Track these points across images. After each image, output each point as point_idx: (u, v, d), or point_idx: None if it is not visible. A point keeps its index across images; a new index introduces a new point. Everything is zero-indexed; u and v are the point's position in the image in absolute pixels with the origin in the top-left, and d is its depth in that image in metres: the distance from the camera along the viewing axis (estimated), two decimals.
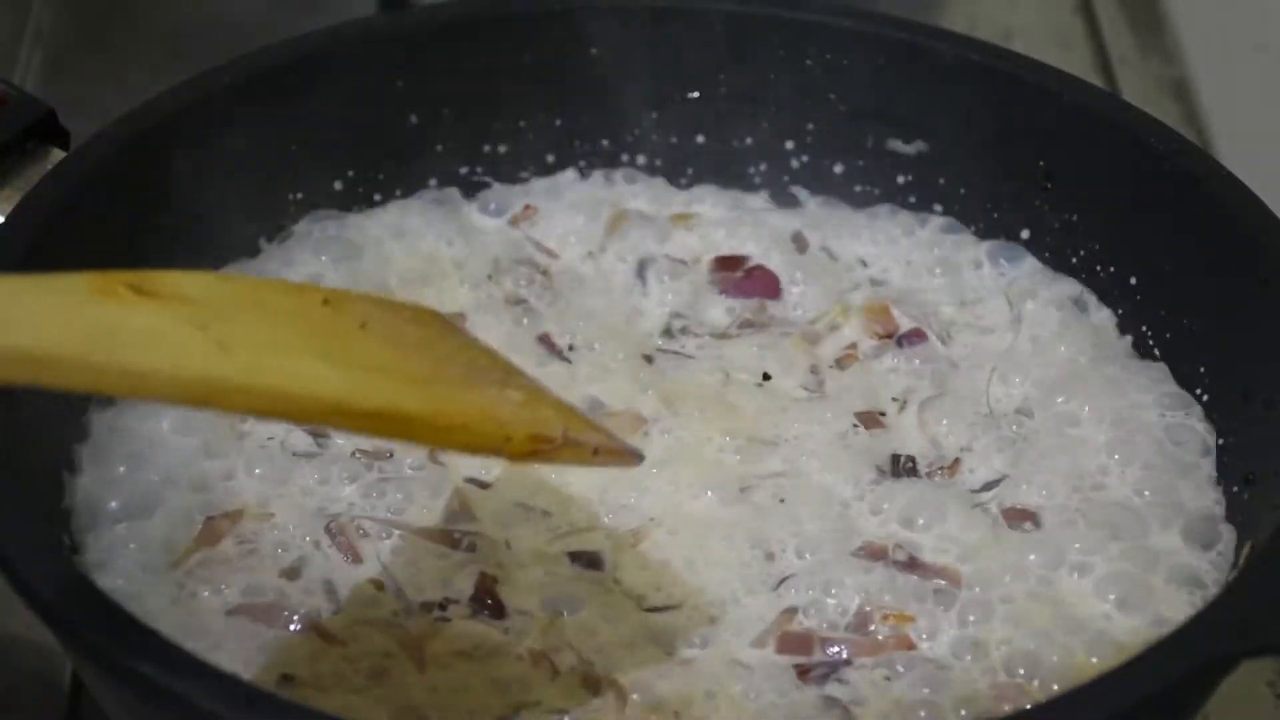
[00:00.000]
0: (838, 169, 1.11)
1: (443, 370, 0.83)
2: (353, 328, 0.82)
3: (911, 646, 0.89)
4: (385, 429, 0.81)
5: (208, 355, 0.76)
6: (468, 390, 0.83)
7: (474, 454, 0.86)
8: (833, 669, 0.89)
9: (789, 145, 1.12)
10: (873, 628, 0.90)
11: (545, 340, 1.03)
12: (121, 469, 0.94)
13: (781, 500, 0.95)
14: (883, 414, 1.01)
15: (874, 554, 0.93)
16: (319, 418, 0.80)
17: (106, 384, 0.76)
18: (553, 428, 0.83)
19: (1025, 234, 1.08)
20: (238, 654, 0.87)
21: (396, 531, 0.93)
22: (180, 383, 0.76)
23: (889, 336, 1.04)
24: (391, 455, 0.96)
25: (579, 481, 0.96)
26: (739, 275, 1.08)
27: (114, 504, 0.93)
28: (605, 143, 1.12)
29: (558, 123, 1.11)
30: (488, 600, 0.90)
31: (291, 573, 0.91)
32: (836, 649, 0.89)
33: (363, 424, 0.80)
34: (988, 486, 0.97)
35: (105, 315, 0.76)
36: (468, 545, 0.93)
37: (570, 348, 1.03)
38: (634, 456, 0.86)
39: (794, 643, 0.90)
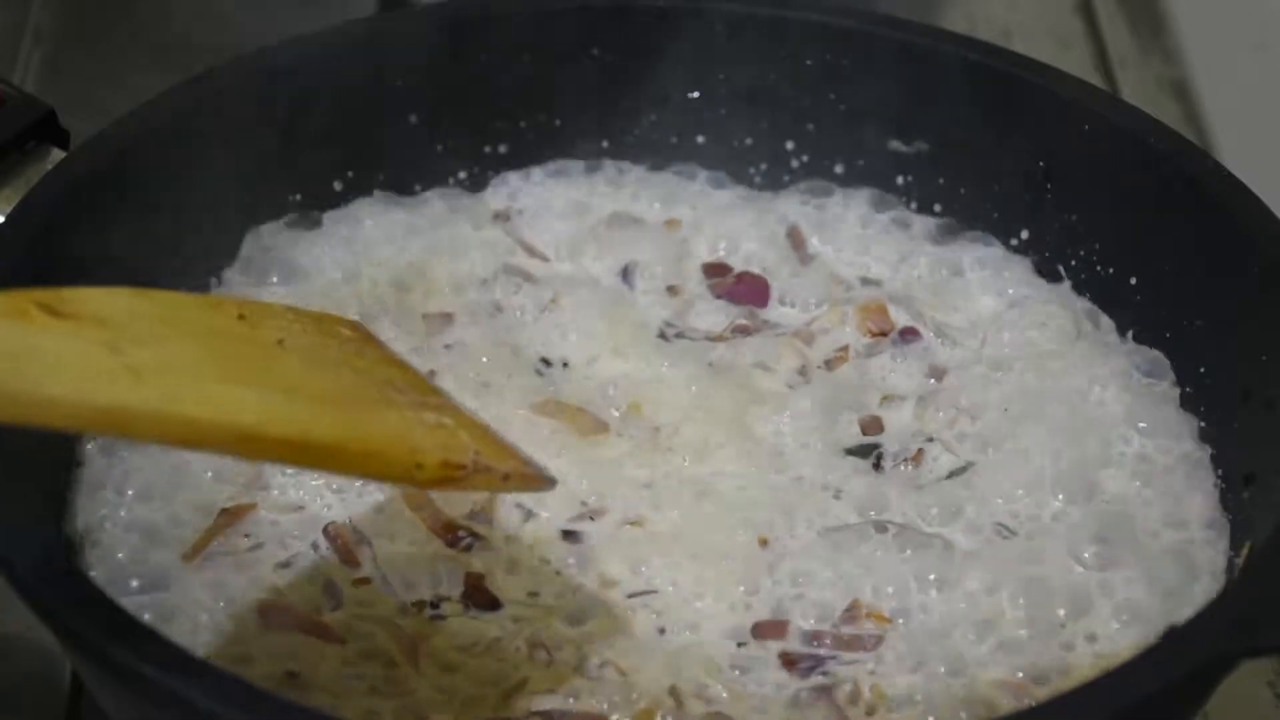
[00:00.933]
0: (838, 169, 1.11)
1: (359, 389, 0.82)
2: (269, 344, 0.81)
3: (897, 638, 0.90)
4: (295, 457, 0.79)
5: (118, 381, 0.74)
6: (382, 412, 0.81)
7: (382, 481, 0.84)
8: (818, 661, 0.89)
9: (789, 145, 1.12)
10: (858, 621, 0.90)
11: (536, 342, 1.03)
12: (125, 463, 0.94)
13: (765, 493, 0.96)
14: (870, 412, 1.01)
15: (853, 547, 0.93)
16: (230, 446, 0.77)
17: (14, 412, 0.72)
18: (464, 453, 0.81)
19: (1025, 234, 1.08)
20: (240, 652, 0.87)
21: (392, 532, 0.93)
22: (90, 411, 0.73)
23: (884, 335, 1.04)
24: None
25: (571, 478, 0.96)
26: (731, 280, 1.08)
27: (116, 500, 0.93)
28: (605, 143, 1.12)
29: (557, 123, 1.11)
30: (479, 595, 0.91)
31: (294, 571, 0.91)
32: (822, 641, 0.90)
33: (273, 452, 0.78)
34: (963, 479, 0.97)
35: (14, 337, 0.73)
36: (465, 545, 0.93)
37: (560, 351, 1.03)
38: (546, 482, 0.85)
39: (778, 632, 0.90)
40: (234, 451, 0.78)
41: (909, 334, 1.04)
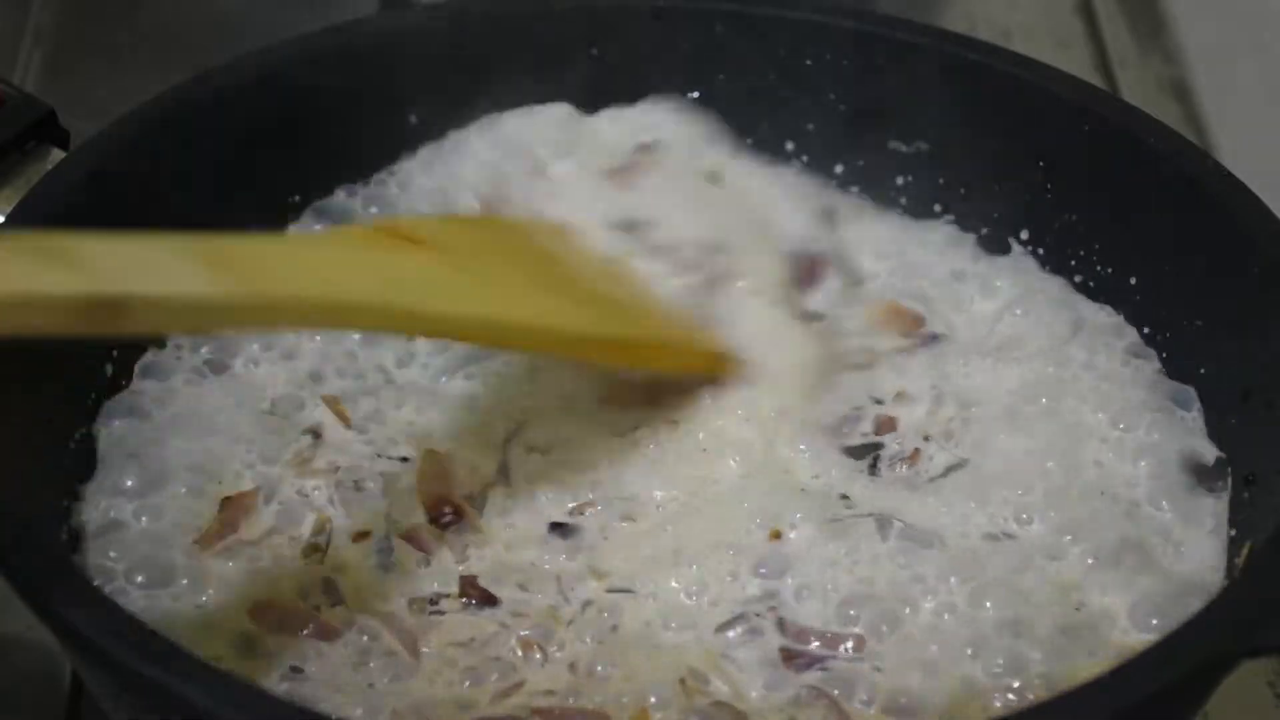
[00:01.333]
0: (838, 169, 1.11)
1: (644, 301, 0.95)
2: (572, 261, 0.94)
3: (895, 637, 0.90)
4: (609, 355, 0.93)
5: (472, 296, 0.87)
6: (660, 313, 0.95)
7: (665, 366, 0.96)
8: (816, 658, 0.89)
9: (789, 145, 1.12)
10: (857, 620, 0.90)
11: None
12: (129, 456, 0.95)
13: (764, 491, 0.96)
14: (876, 411, 1.01)
15: (852, 546, 0.93)
16: (553, 347, 0.92)
17: (392, 324, 0.86)
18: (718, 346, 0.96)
19: (1025, 234, 1.08)
20: (243, 649, 0.87)
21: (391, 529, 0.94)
22: (454, 323, 0.86)
23: (904, 333, 1.04)
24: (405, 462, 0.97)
25: (567, 464, 0.97)
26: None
27: (122, 494, 0.93)
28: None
29: None
30: (475, 592, 0.91)
31: (295, 567, 0.91)
32: (819, 639, 0.90)
33: (594, 351, 0.92)
34: (963, 480, 0.97)
35: (391, 264, 0.85)
36: (446, 522, 0.94)
37: None
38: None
39: (777, 629, 0.90)
40: (554, 350, 0.93)
41: (910, 334, 1.04)
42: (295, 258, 0.83)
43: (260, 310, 0.80)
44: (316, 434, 0.97)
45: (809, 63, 1.10)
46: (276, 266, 0.82)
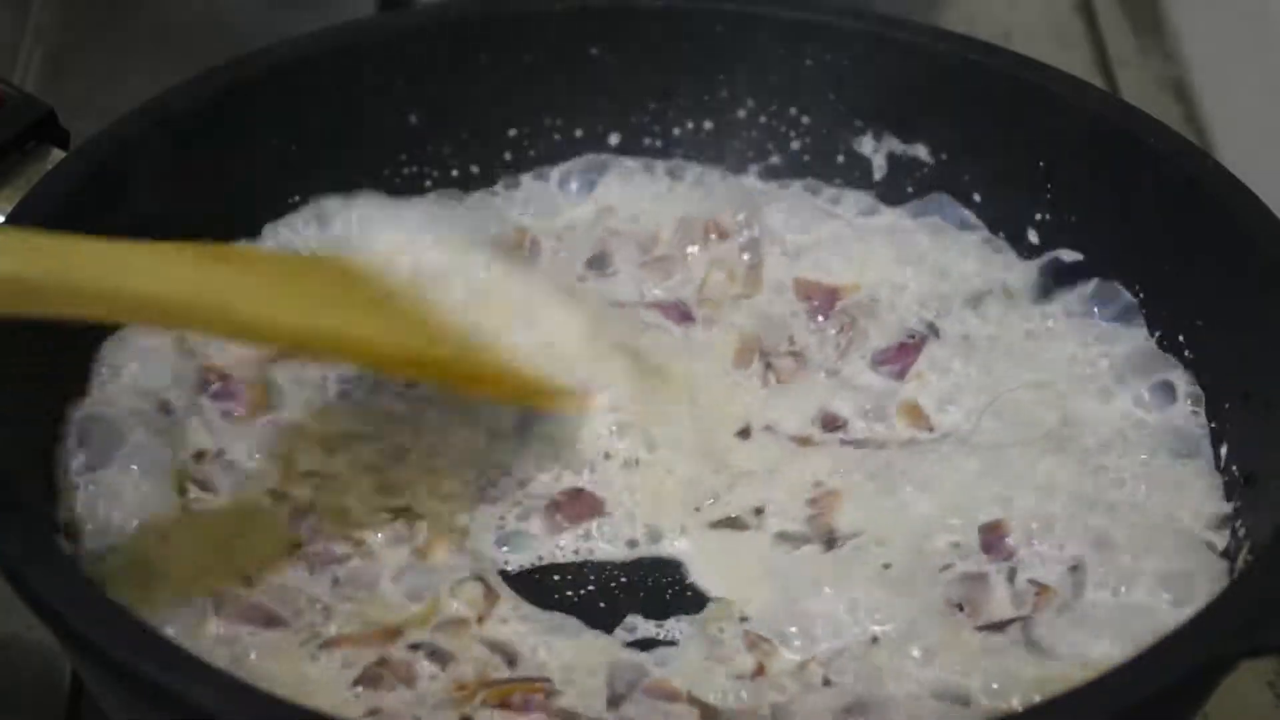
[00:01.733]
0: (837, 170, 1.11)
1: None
2: (387, 294, 0.95)
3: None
4: (430, 374, 0.95)
5: (298, 307, 0.89)
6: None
7: (488, 394, 0.96)
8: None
9: (792, 146, 1.12)
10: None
11: None
12: (122, 449, 0.94)
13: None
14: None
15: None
16: (375, 362, 0.94)
17: (202, 324, 0.89)
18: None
19: (1024, 234, 1.08)
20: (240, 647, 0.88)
21: None
22: (278, 328, 0.88)
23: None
24: None
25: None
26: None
27: (115, 487, 0.93)
28: (611, 141, 1.12)
29: (558, 122, 1.11)
30: None
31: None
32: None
33: (417, 371, 0.94)
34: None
35: (205, 274, 0.88)
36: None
37: None
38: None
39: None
40: (378, 366, 0.96)
41: (910, 350, 1.04)
42: (108, 252, 0.86)
43: (63, 294, 0.82)
44: None
45: (809, 63, 1.10)
46: (88, 257, 0.85)
